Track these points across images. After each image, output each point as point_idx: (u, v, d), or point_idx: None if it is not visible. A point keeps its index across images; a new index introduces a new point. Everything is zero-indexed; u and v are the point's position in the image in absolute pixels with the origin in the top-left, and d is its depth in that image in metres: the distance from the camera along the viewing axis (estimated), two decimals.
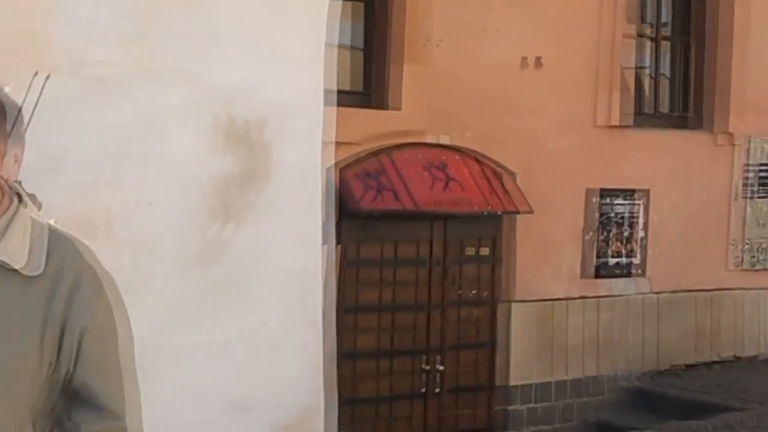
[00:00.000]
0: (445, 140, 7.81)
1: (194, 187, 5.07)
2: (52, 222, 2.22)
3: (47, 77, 4.05)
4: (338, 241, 6.74)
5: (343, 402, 5.77)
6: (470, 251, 7.93)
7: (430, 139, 7.75)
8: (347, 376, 6.71)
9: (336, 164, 6.29)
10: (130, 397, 2.19)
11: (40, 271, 2.08)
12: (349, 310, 7.10)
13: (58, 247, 2.14)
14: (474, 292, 7.97)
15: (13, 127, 2.14)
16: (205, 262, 5.05)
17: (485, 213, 7.78)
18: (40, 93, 3.99)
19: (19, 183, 2.27)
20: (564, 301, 8.39)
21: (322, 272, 4.84)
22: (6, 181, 2.15)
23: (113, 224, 4.73)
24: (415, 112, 7.59)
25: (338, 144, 5.83)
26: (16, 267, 2.06)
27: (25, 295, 2.07)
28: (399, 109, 7.56)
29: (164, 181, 5.00)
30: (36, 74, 4.04)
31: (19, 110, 2.21)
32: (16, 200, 2.16)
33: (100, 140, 4.81)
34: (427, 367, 7.69)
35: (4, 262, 2.07)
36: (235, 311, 4.91)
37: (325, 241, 4.91)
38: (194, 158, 5.05)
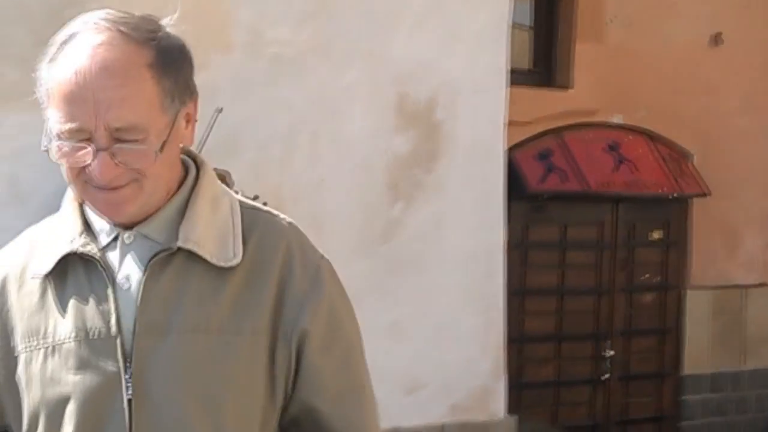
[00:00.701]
0: (618, 120, 7.57)
1: (366, 165, 5.05)
2: (240, 195, 1.70)
3: (220, 110, 4.09)
4: (507, 223, 6.64)
5: (510, 386, 5.68)
6: (644, 235, 7.68)
7: (603, 118, 7.53)
8: (514, 359, 6.60)
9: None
10: (372, 419, 1.63)
11: (238, 260, 1.55)
12: (517, 293, 6.97)
13: (256, 226, 1.60)
14: (647, 276, 7.72)
15: (173, 73, 1.52)
16: (376, 241, 5.03)
17: (664, 195, 7.51)
18: (211, 126, 4.03)
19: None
20: (743, 289, 8.04)
21: (504, 254, 4.75)
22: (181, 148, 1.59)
23: (285, 202, 4.76)
24: (588, 91, 7.38)
25: (510, 123, 5.71)
26: (206, 257, 1.53)
27: (225, 296, 1.53)
28: (571, 87, 7.37)
29: (336, 159, 5.00)
30: (221, 110, 4.09)
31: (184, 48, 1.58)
32: (194, 170, 1.62)
33: (273, 119, 4.84)
34: (607, 354, 7.49)
35: (190, 250, 1.53)
36: (407, 291, 4.87)
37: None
38: (366, 136, 5.03)
